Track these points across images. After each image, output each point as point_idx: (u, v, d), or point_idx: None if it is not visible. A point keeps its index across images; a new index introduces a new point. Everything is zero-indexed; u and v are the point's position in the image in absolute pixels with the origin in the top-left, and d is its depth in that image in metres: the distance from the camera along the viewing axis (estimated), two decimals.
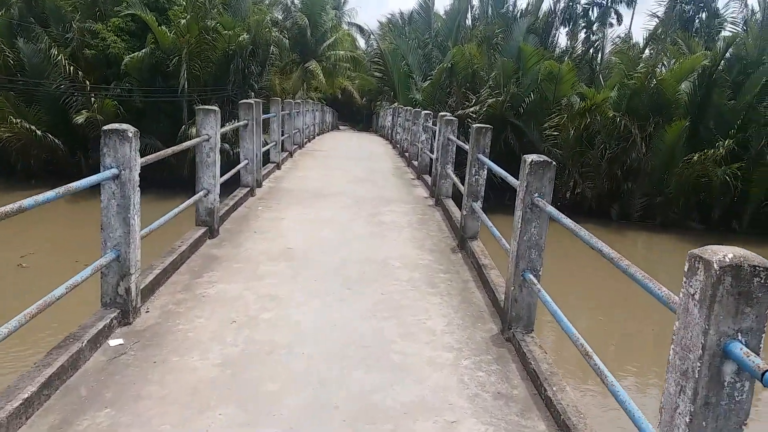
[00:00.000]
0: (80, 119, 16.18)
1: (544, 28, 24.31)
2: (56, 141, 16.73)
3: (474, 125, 5.65)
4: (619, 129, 16.91)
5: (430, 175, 9.57)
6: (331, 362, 3.30)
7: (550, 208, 3.54)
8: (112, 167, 3.42)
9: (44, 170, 17.16)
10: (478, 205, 5.73)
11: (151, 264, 4.42)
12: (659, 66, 18.72)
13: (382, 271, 5.02)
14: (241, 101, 7.59)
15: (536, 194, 3.78)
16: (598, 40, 25.04)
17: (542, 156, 3.82)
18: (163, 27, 17.51)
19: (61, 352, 2.92)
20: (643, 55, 20.42)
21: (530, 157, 3.79)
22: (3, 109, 16.15)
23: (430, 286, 4.78)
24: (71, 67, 16.89)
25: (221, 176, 6.35)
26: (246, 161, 7.53)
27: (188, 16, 17.70)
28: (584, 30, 32.61)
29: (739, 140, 16.37)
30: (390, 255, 5.52)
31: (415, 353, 3.52)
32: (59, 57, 16.78)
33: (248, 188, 7.56)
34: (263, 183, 8.66)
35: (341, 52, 35.59)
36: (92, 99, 17.10)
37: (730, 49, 18.07)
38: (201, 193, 5.43)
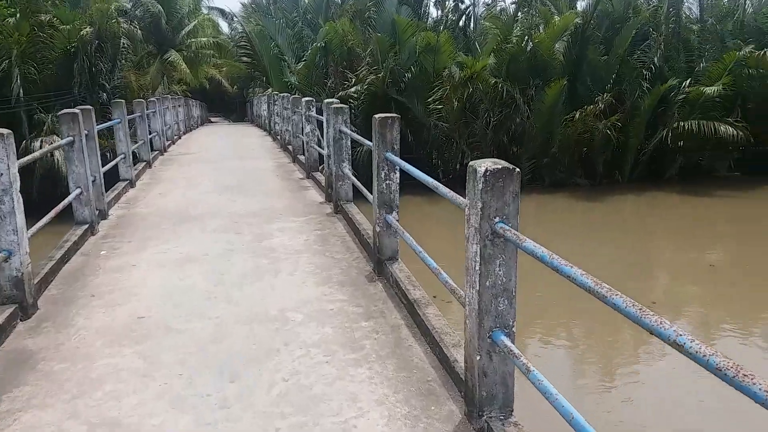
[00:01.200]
0: None
1: None
2: None
3: (376, 116, 4.30)
4: (501, 95, 16.67)
5: (323, 173, 8.16)
6: None
7: (529, 243, 2.29)
8: None
9: None
10: (394, 218, 4.43)
11: None
12: (534, 28, 18.55)
13: (279, 335, 3.59)
14: (61, 112, 5.68)
15: (497, 219, 2.53)
16: (468, 7, 24.64)
17: (499, 161, 2.57)
18: None
19: None
20: (517, 19, 20.15)
21: (483, 166, 2.51)
22: None
23: (351, 347, 3.43)
24: None
25: (42, 218, 4.61)
26: (78, 190, 5.65)
27: (16, 12, 14.94)
28: None
29: (615, 93, 16.62)
30: (287, 302, 4.08)
31: None
32: None
33: (86, 225, 5.70)
34: (110, 212, 6.78)
35: (203, 39, 32.89)
36: None
37: (599, 6, 18.20)
38: None
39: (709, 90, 15.92)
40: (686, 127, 16.23)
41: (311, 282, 4.48)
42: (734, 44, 17.44)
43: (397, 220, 4.46)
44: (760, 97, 17.06)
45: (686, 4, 19.98)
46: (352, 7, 21.44)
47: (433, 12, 25.37)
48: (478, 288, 2.62)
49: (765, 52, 16.41)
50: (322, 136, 8.09)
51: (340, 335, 3.59)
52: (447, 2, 29.36)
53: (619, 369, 6.78)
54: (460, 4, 30.66)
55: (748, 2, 19.84)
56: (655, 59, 17.02)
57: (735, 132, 16.06)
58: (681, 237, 12.85)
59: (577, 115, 16.23)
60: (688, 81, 16.67)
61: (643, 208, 15.75)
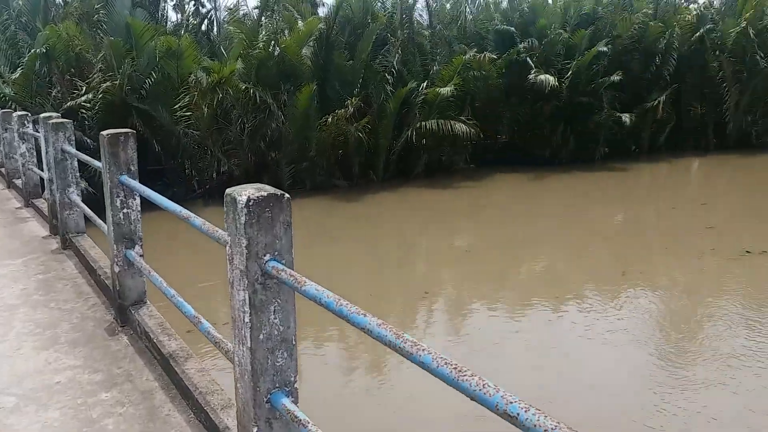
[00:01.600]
0: None
1: (151, 1, 21.70)
2: None
3: (104, 132, 3.46)
4: (254, 101, 16.28)
5: (46, 200, 6.76)
6: None
7: (310, 286, 1.83)
8: None
9: None
10: (137, 254, 3.63)
11: None
12: (279, 33, 18.41)
13: None
14: None
15: (268, 257, 2.03)
16: (210, 11, 23.62)
17: (264, 187, 2.06)
18: None
19: None
20: (261, 24, 19.82)
21: (244, 194, 1.98)
22: None
23: None
24: None
25: None
26: None
27: None
28: (192, 1, 30.51)
29: (363, 97, 17.31)
30: None
31: None
32: None
33: None
34: None
35: None
36: None
37: (340, 12, 18.73)
38: None
39: (443, 91, 17.40)
40: (427, 127, 17.55)
41: (30, 347, 3.46)
42: (460, 48, 19.37)
43: (142, 256, 3.67)
44: (485, 96, 19.23)
45: (417, 11, 21.62)
46: (78, 9, 18.95)
47: (173, 15, 23.81)
48: (249, 344, 2.09)
49: (485, 54, 18.51)
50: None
51: (71, 418, 2.74)
52: (187, 6, 27.85)
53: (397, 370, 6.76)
54: (201, 7, 29.34)
55: (468, 9, 22.15)
56: (395, 63, 18.07)
57: (467, 129, 17.85)
58: (435, 227, 13.78)
59: (330, 119, 16.50)
60: (425, 83, 18.02)
61: (397, 203, 16.63)
